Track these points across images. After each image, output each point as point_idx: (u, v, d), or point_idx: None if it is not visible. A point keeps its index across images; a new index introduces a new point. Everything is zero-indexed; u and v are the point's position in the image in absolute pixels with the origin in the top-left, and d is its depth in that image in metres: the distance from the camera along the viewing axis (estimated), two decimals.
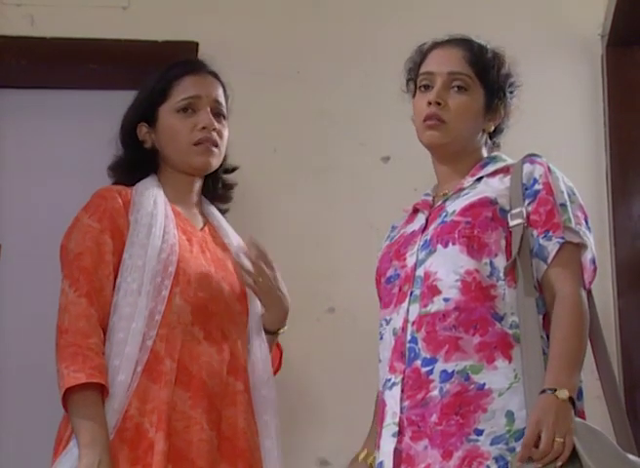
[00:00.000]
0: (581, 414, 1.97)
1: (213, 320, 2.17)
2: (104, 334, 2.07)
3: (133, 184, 2.27)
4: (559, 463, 1.82)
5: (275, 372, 2.35)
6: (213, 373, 2.13)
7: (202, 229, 2.30)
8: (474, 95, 2.16)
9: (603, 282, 2.88)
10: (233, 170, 2.44)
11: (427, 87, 2.17)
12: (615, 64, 2.99)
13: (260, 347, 2.26)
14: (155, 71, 2.37)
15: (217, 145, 2.28)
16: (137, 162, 2.31)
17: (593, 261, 2.06)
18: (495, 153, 2.21)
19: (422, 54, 2.24)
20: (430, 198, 2.23)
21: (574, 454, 1.83)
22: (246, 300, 2.27)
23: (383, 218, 2.89)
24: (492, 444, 1.91)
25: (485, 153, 2.21)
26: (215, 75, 2.35)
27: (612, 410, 2.04)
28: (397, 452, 1.99)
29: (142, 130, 2.31)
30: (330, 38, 3.06)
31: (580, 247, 2.04)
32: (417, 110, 2.19)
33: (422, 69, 2.21)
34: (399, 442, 1.99)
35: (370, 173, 2.99)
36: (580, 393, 1.99)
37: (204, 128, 2.26)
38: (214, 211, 2.38)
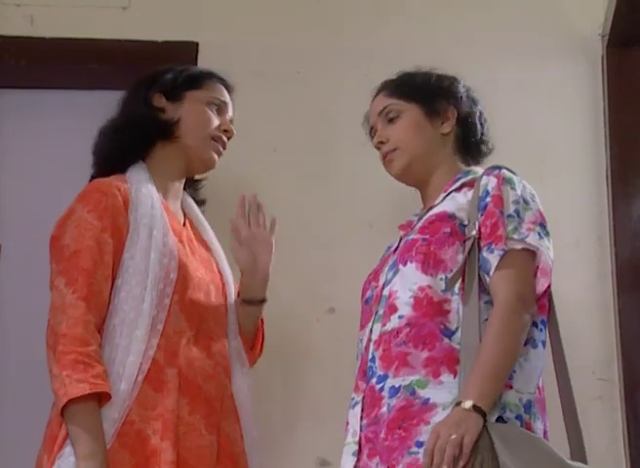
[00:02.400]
0: (528, 427, 1.94)
1: (203, 324, 2.17)
2: (101, 337, 2.06)
3: (121, 162, 2.23)
4: (461, 463, 1.82)
5: (256, 359, 2.34)
6: (207, 378, 2.13)
7: (184, 225, 2.30)
8: (407, 113, 2.23)
9: (603, 281, 2.88)
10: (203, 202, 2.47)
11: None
12: (615, 64, 2.99)
13: (237, 350, 2.26)
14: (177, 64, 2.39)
15: (223, 150, 2.32)
16: (148, 127, 2.27)
17: (548, 264, 2.03)
18: (470, 167, 2.21)
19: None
20: (416, 218, 2.25)
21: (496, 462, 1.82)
22: (227, 301, 2.27)
23: (383, 218, 2.90)
24: None
25: (462, 167, 2.22)
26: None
27: (567, 420, 2.03)
28: None
29: (160, 99, 2.29)
30: (330, 38, 3.06)
31: (528, 252, 2.02)
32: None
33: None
34: (358, 460, 2.01)
35: (370, 173, 2.98)
36: (528, 405, 1.96)
37: (226, 131, 2.33)
38: (192, 203, 2.39)
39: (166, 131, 2.26)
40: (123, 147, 2.24)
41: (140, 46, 3.00)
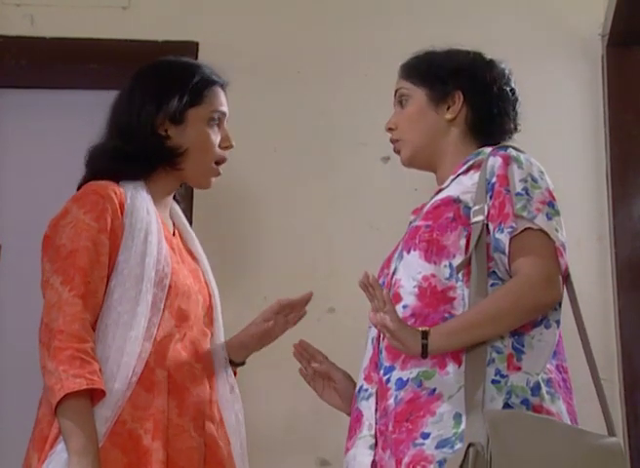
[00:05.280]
0: (538, 409, 1.90)
1: (191, 331, 2.17)
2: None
3: (115, 178, 2.19)
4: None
5: None
6: (195, 381, 2.13)
7: (174, 234, 2.29)
8: (414, 97, 2.20)
9: (603, 281, 2.89)
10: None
11: None
12: (615, 64, 3.00)
13: (219, 356, 2.26)
14: (175, 65, 2.32)
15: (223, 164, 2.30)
16: (154, 157, 2.20)
17: (562, 246, 1.98)
18: (481, 148, 2.14)
19: None
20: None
21: None
22: (212, 312, 2.27)
23: (383, 218, 2.90)
24: (437, 447, 1.87)
25: (474, 148, 2.16)
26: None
27: (600, 395, 1.99)
28: (373, 464, 1.98)
29: (164, 124, 2.21)
30: (330, 38, 3.06)
31: (542, 232, 1.96)
32: None
33: None
34: (375, 454, 1.99)
35: (370, 173, 2.99)
36: (536, 387, 1.92)
37: (227, 147, 2.26)
38: (179, 211, 2.37)
39: (171, 161, 2.23)
40: (124, 172, 2.21)
41: (141, 46, 3.00)
